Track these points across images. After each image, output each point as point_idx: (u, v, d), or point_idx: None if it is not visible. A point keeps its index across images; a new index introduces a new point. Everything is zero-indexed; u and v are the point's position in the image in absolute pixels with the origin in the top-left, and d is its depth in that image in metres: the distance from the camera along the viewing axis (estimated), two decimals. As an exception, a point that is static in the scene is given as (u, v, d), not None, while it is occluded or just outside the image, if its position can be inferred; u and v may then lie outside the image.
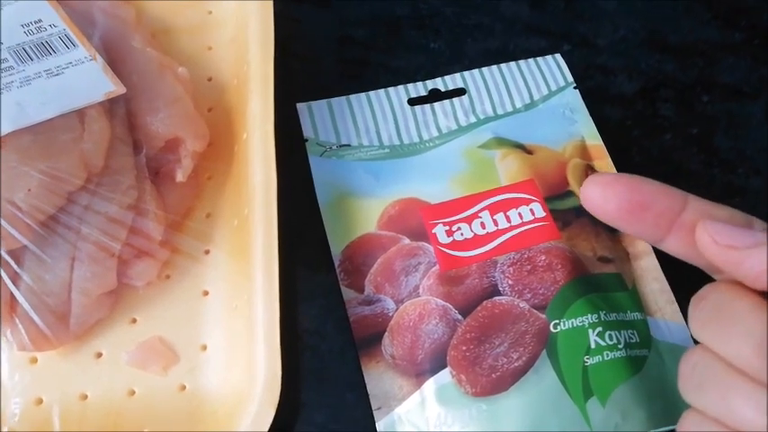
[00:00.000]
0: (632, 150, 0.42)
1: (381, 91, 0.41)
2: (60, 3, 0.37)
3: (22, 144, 0.33)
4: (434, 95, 0.42)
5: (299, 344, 0.36)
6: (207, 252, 0.37)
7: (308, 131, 0.40)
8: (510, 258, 0.35)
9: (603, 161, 0.39)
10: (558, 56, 0.43)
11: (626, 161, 0.40)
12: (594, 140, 0.40)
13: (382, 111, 0.41)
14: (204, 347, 0.35)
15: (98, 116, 0.34)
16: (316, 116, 0.40)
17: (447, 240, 0.36)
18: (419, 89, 0.41)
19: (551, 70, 0.42)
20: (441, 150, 0.39)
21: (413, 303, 0.35)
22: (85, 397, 0.34)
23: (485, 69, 0.42)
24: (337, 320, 0.36)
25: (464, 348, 0.33)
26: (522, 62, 0.42)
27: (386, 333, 0.35)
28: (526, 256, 0.35)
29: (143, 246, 0.35)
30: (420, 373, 0.34)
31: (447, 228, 0.36)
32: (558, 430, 0.32)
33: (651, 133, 0.42)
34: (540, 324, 0.34)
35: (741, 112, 0.43)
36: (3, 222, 0.32)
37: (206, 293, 0.36)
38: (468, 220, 0.37)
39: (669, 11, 0.46)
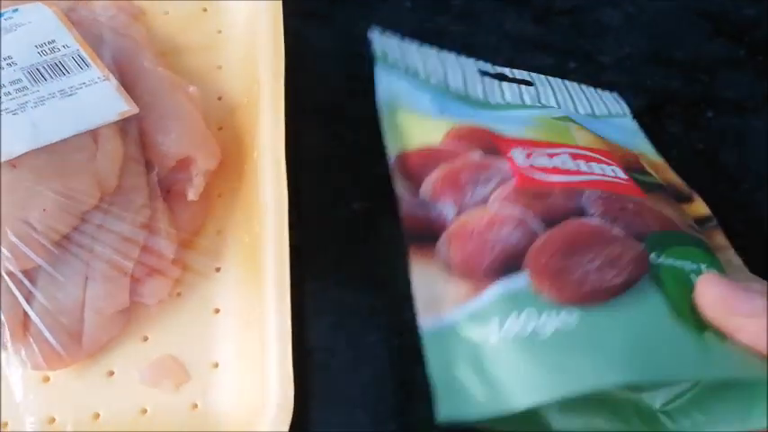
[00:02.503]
0: (639, 166, 0.42)
1: (450, 53, 0.38)
2: (72, 22, 0.37)
3: (37, 164, 0.33)
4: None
5: (309, 361, 0.36)
6: (218, 269, 0.37)
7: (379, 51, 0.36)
8: (597, 193, 0.31)
9: (668, 174, 0.38)
10: (615, 94, 0.43)
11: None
12: (656, 158, 0.39)
13: (451, 66, 0.37)
14: (216, 365, 0.35)
15: (112, 136, 0.35)
16: (387, 47, 0.36)
17: (526, 162, 0.32)
18: (487, 67, 0.39)
19: (610, 101, 0.42)
20: (509, 113, 0.37)
21: (479, 210, 0.30)
22: (98, 415, 0.34)
23: (549, 77, 0.40)
24: (348, 337, 0.36)
25: (546, 257, 0.28)
26: (583, 86, 0.42)
27: (442, 238, 0.30)
28: (614, 197, 0.31)
29: (155, 264, 0.35)
30: (486, 275, 0.28)
31: (527, 151, 0.32)
32: (672, 360, 0.26)
33: (657, 150, 0.43)
34: (638, 250, 0.29)
35: (746, 127, 0.44)
36: (17, 242, 0.32)
37: (217, 311, 0.37)
38: (550, 154, 0.33)
39: (673, 27, 0.46)
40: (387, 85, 0.35)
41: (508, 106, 0.38)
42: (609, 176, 0.33)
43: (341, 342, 0.37)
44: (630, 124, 0.41)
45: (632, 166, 0.35)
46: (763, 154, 0.43)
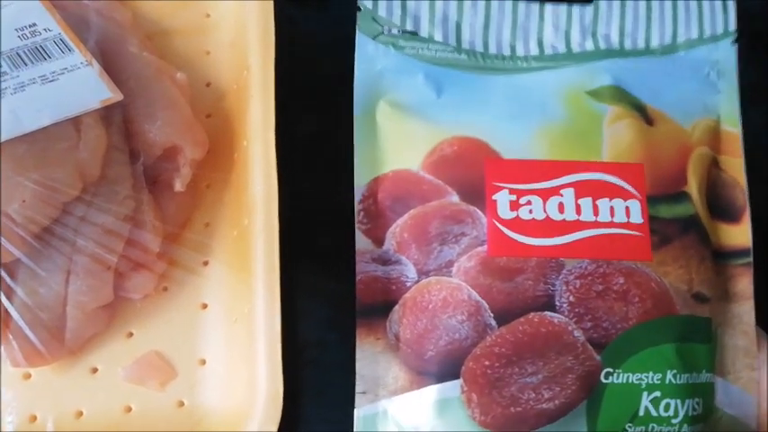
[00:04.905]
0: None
1: None
2: (54, 5, 0.36)
3: (17, 153, 0.32)
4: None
5: (300, 357, 0.36)
6: (205, 263, 0.36)
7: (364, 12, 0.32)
8: (581, 268, 0.29)
9: (735, 160, 0.32)
10: None
11: None
12: (731, 126, 0.32)
13: None
14: (203, 362, 0.35)
15: (94, 124, 0.33)
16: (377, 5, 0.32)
17: (509, 215, 0.29)
18: None
19: (713, 10, 0.33)
20: (537, 79, 0.32)
21: (440, 282, 0.29)
22: (81, 414, 0.34)
23: None
24: (340, 332, 0.35)
25: (487, 363, 0.28)
26: None
27: (396, 306, 0.30)
28: (601, 271, 0.29)
29: (140, 258, 0.34)
30: (424, 373, 0.29)
31: (514, 197, 0.29)
32: None
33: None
34: (590, 367, 0.28)
35: None
36: (-4, 235, 0.31)
37: (205, 306, 0.36)
38: (546, 194, 0.29)
39: None
40: (367, 62, 0.32)
41: (541, 59, 0.32)
42: (616, 226, 0.30)
43: (333, 338, 0.36)
44: (724, 53, 0.33)
45: (669, 183, 0.31)
46: None
